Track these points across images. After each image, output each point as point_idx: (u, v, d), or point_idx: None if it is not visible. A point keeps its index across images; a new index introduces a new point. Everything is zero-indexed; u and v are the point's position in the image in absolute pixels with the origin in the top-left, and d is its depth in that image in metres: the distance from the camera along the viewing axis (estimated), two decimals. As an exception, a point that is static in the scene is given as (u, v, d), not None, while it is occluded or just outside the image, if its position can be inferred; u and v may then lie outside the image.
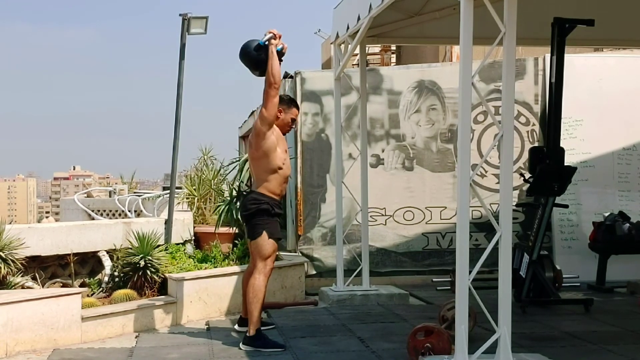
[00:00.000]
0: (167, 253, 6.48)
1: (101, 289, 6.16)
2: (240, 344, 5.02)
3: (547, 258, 6.71)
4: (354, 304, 6.66)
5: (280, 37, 5.06)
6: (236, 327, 5.59)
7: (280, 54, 5.07)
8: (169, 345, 5.15)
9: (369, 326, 5.70)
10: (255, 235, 5.09)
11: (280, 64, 5.06)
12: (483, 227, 7.89)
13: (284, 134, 5.35)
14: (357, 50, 7.11)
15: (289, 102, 5.38)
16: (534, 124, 8.22)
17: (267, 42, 5.03)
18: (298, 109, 5.45)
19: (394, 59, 15.79)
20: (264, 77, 5.04)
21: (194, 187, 8.49)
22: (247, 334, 5.03)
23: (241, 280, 5.69)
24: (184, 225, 7.30)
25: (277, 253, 5.31)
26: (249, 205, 5.14)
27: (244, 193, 5.38)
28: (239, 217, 7.48)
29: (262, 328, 5.15)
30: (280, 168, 5.13)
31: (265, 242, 5.06)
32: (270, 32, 5.05)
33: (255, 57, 5.05)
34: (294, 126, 5.55)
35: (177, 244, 7.02)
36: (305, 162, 8.10)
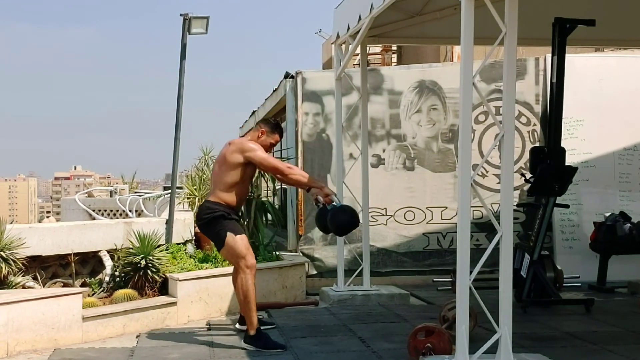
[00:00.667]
0: (167, 253, 6.48)
1: (102, 288, 6.16)
2: (242, 341, 5.02)
3: (548, 258, 6.70)
4: (355, 304, 6.66)
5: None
6: (237, 325, 5.60)
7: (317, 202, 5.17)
8: (170, 345, 5.15)
9: (369, 326, 5.70)
10: (221, 242, 5.06)
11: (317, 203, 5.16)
12: (484, 227, 7.89)
13: None
14: (358, 50, 7.11)
15: (274, 127, 5.36)
16: (534, 124, 8.22)
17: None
18: (281, 136, 5.46)
19: (394, 59, 15.79)
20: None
21: (194, 187, 8.50)
22: (248, 334, 5.03)
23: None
24: (184, 225, 7.31)
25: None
26: (203, 215, 5.15)
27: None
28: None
29: (263, 327, 5.16)
30: (237, 184, 5.13)
31: (235, 243, 5.02)
32: (328, 196, 5.12)
33: (345, 223, 5.12)
34: (271, 150, 5.58)
35: (178, 244, 7.02)
36: (306, 162, 8.10)
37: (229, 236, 5.01)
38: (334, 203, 5.07)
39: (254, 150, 5.10)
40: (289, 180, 5.22)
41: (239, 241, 5.03)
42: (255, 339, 4.97)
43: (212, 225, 5.10)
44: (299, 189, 8.09)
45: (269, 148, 5.38)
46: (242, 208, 7.64)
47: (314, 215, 7.93)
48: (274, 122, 5.42)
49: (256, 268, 5.13)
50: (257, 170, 5.45)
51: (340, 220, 5.05)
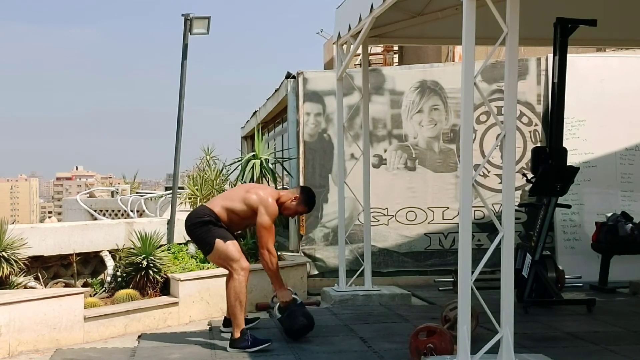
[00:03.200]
0: (169, 253, 6.49)
1: (103, 289, 6.16)
2: (227, 347, 5.00)
3: (550, 258, 6.70)
4: (356, 304, 6.66)
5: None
6: (221, 328, 5.56)
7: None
8: (171, 345, 5.15)
9: (371, 326, 5.70)
10: (209, 248, 5.06)
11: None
12: (485, 228, 7.89)
13: (280, 213, 5.37)
14: (360, 51, 7.11)
15: (309, 202, 5.43)
16: (536, 124, 8.22)
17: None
18: (309, 211, 5.62)
19: (396, 59, 15.77)
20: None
21: (196, 187, 8.49)
22: (232, 337, 5.01)
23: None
24: (186, 225, 7.30)
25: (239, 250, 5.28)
26: (193, 217, 5.17)
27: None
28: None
29: (247, 326, 5.13)
30: (238, 215, 5.18)
31: (224, 247, 5.02)
32: (283, 302, 5.28)
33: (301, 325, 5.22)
34: (293, 217, 5.62)
35: (180, 244, 7.02)
36: (307, 162, 8.10)
37: (218, 242, 5.01)
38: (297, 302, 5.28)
39: (266, 219, 5.10)
40: (265, 268, 5.23)
41: (231, 246, 5.04)
42: (239, 341, 4.95)
43: (199, 228, 5.09)
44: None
45: (292, 213, 5.49)
46: None
47: (315, 215, 8.00)
48: (312, 198, 5.46)
49: (233, 244, 5.10)
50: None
51: (288, 324, 5.22)
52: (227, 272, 5.12)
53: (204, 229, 5.07)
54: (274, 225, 5.26)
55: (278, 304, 5.32)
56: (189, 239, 7.30)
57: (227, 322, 5.46)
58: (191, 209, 8.52)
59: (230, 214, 5.17)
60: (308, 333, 5.21)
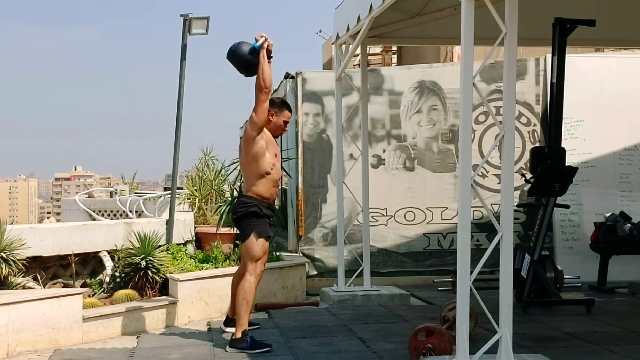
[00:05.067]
0: (168, 253, 6.49)
1: (102, 289, 6.16)
2: (227, 347, 5.00)
3: (549, 258, 6.70)
4: (355, 305, 6.66)
5: (271, 44, 5.07)
6: (222, 326, 5.57)
7: (269, 56, 5.07)
8: (170, 345, 5.15)
9: (370, 327, 5.70)
10: (244, 238, 5.10)
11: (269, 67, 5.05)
12: (484, 228, 7.89)
13: (276, 137, 5.34)
14: (358, 51, 7.11)
15: (280, 104, 5.32)
16: (535, 124, 8.22)
17: (259, 46, 5.03)
18: (290, 111, 5.40)
19: (395, 60, 15.78)
20: (251, 77, 5.04)
21: (195, 188, 8.50)
22: (233, 336, 5.02)
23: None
24: (185, 225, 7.30)
25: (268, 255, 5.29)
26: (237, 209, 5.17)
27: (237, 197, 5.47)
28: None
29: (248, 328, 5.10)
30: (268, 173, 5.11)
31: (254, 244, 5.05)
32: (262, 37, 5.05)
33: (249, 59, 5.03)
34: (286, 129, 5.53)
35: (178, 245, 7.02)
36: (306, 162, 8.10)
37: (252, 236, 5.04)
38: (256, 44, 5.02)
39: (247, 123, 5.07)
40: (267, 79, 5.00)
41: (259, 245, 5.06)
42: (240, 341, 4.95)
43: (243, 219, 5.11)
44: (300, 190, 8.09)
45: (283, 128, 5.35)
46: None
47: (314, 216, 8.00)
48: (279, 101, 5.38)
49: (265, 245, 5.14)
50: (278, 148, 5.31)
51: (237, 48, 5.03)
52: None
53: (247, 221, 5.09)
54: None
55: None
56: (188, 240, 7.33)
57: (228, 320, 5.46)
58: (190, 210, 8.53)
59: (260, 179, 5.08)
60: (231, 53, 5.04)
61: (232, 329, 5.25)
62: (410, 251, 8.11)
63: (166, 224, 6.92)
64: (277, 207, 9.06)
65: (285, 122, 5.33)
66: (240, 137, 5.23)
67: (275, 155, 5.22)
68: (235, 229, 7.27)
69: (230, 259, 6.84)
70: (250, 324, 5.36)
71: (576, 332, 5.45)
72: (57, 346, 5.07)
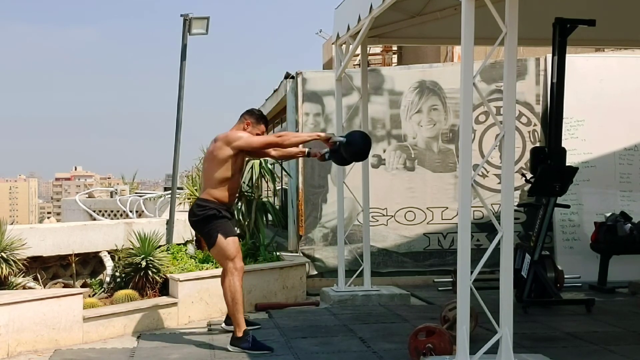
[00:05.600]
0: (168, 253, 6.49)
1: (103, 289, 6.16)
2: (228, 345, 5.00)
3: (549, 258, 6.71)
4: (355, 305, 6.66)
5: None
6: (223, 325, 5.56)
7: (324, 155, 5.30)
8: (171, 345, 5.15)
9: (370, 327, 5.70)
10: (212, 242, 5.06)
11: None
12: (484, 228, 7.89)
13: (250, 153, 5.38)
14: (359, 51, 7.11)
15: (258, 117, 5.29)
16: (535, 124, 8.22)
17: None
18: (267, 126, 5.39)
19: (395, 60, 15.78)
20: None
21: (195, 188, 8.49)
22: (234, 335, 5.01)
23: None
24: (185, 225, 7.28)
25: (240, 249, 5.26)
26: (196, 211, 5.12)
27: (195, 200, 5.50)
28: (240, 218, 7.50)
29: (249, 328, 5.11)
30: (228, 179, 5.07)
31: (225, 244, 5.01)
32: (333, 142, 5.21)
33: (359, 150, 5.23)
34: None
35: (179, 245, 7.02)
36: (306, 162, 8.10)
37: (220, 237, 4.99)
38: (338, 140, 5.13)
39: (241, 137, 5.04)
40: (287, 147, 5.17)
41: (230, 243, 5.02)
42: (241, 341, 4.95)
43: (204, 223, 5.07)
44: (300, 190, 8.09)
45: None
46: (242, 207, 7.65)
47: (314, 216, 8.00)
48: (258, 113, 5.35)
49: (244, 270, 5.14)
50: (245, 162, 5.38)
51: (353, 152, 5.17)
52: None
53: (208, 225, 5.05)
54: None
55: (326, 150, 5.21)
56: (188, 240, 7.33)
57: (228, 319, 5.47)
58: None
59: (223, 183, 5.05)
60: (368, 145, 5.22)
61: (256, 327, 5.34)
62: (410, 251, 8.11)
63: (166, 223, 6.92)
64: (278, 206, 9.06)
65: (257, 135, 5.26)
66: (215, 140, 5.17)
67: (242, 164, 5.25)
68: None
69: (230, 259, 6.82)
70: (251, 324, 5.37)
71: (576, 332, 5.45)
72: (58, 346, 5.07)
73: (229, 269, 5.02)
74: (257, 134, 5.23)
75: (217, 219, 5.04)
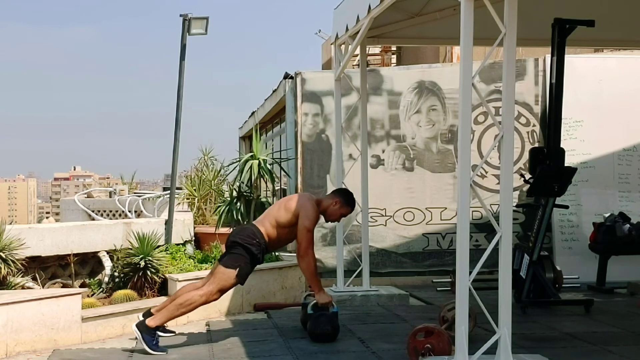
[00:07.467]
0: (167, 253, 6.49)
1: (101, 289, 6.16)
2: (134, 325, 4.96)
3: (548, 259, 6.70)
4: (354, 305, 6.66)
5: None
6: (140, 315, 5.22)
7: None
8: (169, 345, 5.14)
9: (369, 327, 5.70)
10: (228, 265, 5.09)
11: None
12: (483, 228, 7.89)
13: (327, 221, 5.66)
14: (358, 51, 7.11)
15: (348, 201, 5.54)
16: (534, 125, 8.23)
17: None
18: (352, 210, 5.63)
19: (394, 60, 15.79)
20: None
21: (194, 188, 8.51)
22: (147, 323, 4.94)
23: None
24: (184, 225, 7.31)
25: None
26: (245, 236, 5.19)
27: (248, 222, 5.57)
28: (239, 218, 7.49)
29: (161, 333, 5.08)
30: (285, 228, 5.29)
31: (231, 277, 5.06)
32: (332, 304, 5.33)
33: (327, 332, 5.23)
34: (339, 221, 5.91)
35: (178, 245, 7.02)
36: (305, 162, 8.10)
37: (237, 271, 5.06)
38: (333, 309, 5.29)
39: (305, 221, 5.22)
40: (298, 259, 5.34)
41: (231, 282, 5.09)
42: (148, 332, 4.90)
43: (241, 248, 5.14)
44: (299, 190, 8.08)
45: (337, 217, 5.60)
46: (241, 207, 7.63)
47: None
48: (350, 196, 5.58)
49: (236, 285, 5.21)
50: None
51: (322, 331, 5.19)
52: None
53: (242, 253, 5.13)
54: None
55: (314, 301, 5.32)
56: (187, 240, 7.33)
57: (148, 313, 5.23)
58: (189, 210, 8.53)
59: (278, 228, 5.28)
60: (328, 341, 5.18)
61: (168, 334, 5.25)
62: (409, 251, 8.11)
63: (165, 224, 6.92)
64: None
65: (342, 215, 5.57)
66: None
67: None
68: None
69: (229, 259, 6.82)
70: (169, 331, 5.31)
71: (575, 333, 5.45)
72: (56, 346, 5.07)
73: (207, 291, 5.04)
74: (342, 214, 5.54)
75: (251, 256, 5.16)
